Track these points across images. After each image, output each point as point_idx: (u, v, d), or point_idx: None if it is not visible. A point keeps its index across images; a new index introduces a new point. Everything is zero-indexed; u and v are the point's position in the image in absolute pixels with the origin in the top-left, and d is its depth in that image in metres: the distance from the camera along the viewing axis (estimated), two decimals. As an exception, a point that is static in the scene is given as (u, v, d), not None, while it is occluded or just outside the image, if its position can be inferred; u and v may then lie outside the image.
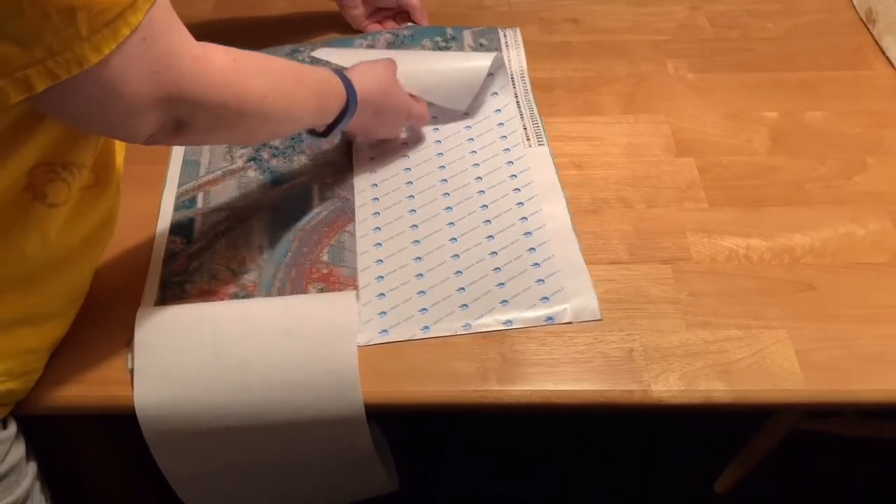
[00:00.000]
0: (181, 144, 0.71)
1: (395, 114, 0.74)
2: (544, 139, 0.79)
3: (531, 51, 0.89)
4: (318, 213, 0.72)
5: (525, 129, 0.80)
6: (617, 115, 0.82)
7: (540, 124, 0.80)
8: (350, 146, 0.79)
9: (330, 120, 0.66)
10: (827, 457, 1.16)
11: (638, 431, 1.21)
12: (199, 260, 0.69)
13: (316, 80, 0.64)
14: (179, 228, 0.71)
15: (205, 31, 0.91)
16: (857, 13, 0.94)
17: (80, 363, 0.61)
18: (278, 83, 0.58)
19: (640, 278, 0.67)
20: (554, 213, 0.72)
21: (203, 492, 0.67)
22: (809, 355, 0.61)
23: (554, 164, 0.76)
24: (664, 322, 0.64)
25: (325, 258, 0.69)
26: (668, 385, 0.60)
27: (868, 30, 0.91)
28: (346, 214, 0.72)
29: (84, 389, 0.60)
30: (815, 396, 0.59)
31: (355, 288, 0.66)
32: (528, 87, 0.84)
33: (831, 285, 0.66)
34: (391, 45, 0.88)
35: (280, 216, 0.72)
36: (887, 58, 0.87)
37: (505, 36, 0.89)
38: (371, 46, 0.88)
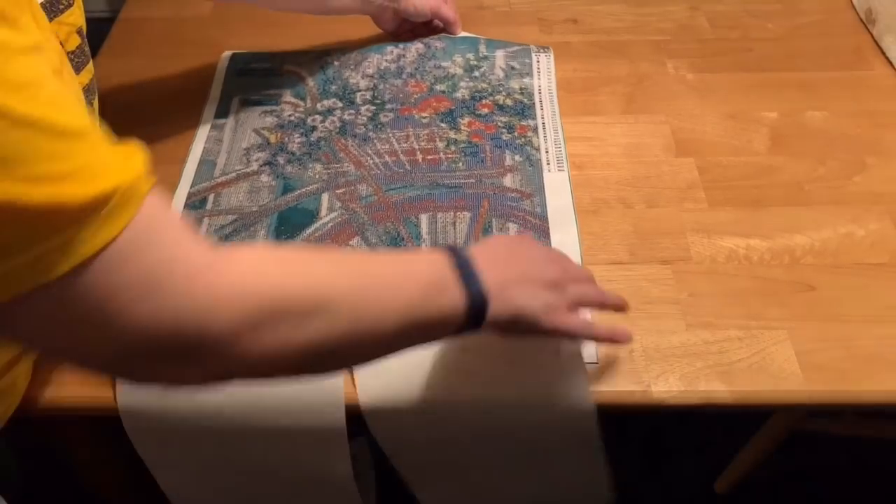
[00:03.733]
0: (220, 382, 0.42)
1: (535, 265, 0.55)
2: (565, 165, 0.76)
3: (531, 51, 0.89)
4: (325, 223, 0.71)
5: (546, 152, 0.78)
6: (617, 115, 0.82)
7: (563, 149, 0.78)
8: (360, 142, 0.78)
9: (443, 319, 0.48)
10: (827, 457, 1.16)
11: (638, 431, 1.20)
12: None
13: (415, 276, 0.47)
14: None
15: (205, 32, 0.92)
16: (857, 13, 0.94)
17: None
18: (348, 268, 0.45)
19: (640, 279, 0.67)
20: (563, 243, 0.69)
21: (183, 484, 0.67)
22: (809, 356, 0.61)
23: (571, 192, 0.74)
24: (664, 322, 0.64)
25: None
26: (668, 385, 0.60)
27: (868, 30, 0.91)
28: (352, 227, 0.71)
29: (83, 390, 0.60)
30: (815, 397, 0.59)
31: None
32: (556, 112, 0.81)
33: (831, 286, 0.66)
34: (423, 56, 0.87)
35: (286, 224, 0.71)
36: (887, 58, 0.87)
37: (538, 61, 0.87)
38: (402, 55, 0.87)
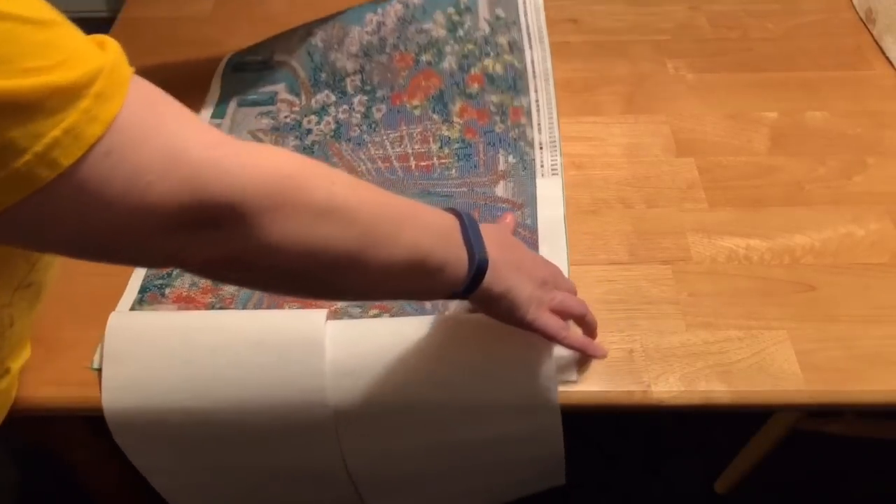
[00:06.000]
0: (230, 276, 0.44)
1: (530, 259, 0.58)
2: (559, 166, 0.74)
3: (531, 51, 0.89)
4: None
5: (541, 149, 0.74)
6: (617, 116, 0.82)
7: (557, 140, 0.75)
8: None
9: (450, 267, 0.49)
10: (827, 457, 1.16)
11: (638, 431, 1.20)
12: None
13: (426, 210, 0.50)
14: None
15: (204, 32, 0.92)
16: (857, 13, 0.94)
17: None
18: (368, 193, 0.45)
19: (640, 278, 0.67)
20: (550, 256, 0.67)
21: (177, 485, 0.67)
22: (809, 356, 0.61)
23: (563, 201, 0.72)
24: (664, 322, 0.64)
25: None
26: (668, 385, 0.60)
27: (868, 30, 0.91)
28: None
29: (83, 391, 0.60)
30: (815, 397, 0.59)
31: (331, 311, 0.64)
32: (550, 76, 0.76)
33: (831, 286, 0.66)
34: (402, 21, 0.83)
35: None
36: (887, 58, 0.87)
37: (525, 3, 0.82)
38: (381, 23, 0.83)
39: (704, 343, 0.62)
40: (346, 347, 0.59)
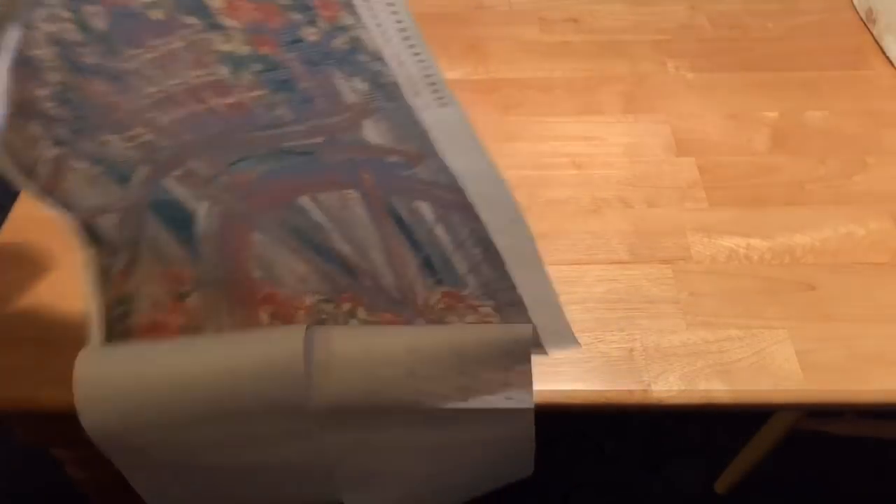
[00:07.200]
0: None
1: None
2: (443, 89, 0.42)
3: (532, 50, 0.89)
4: (210, 220, 0.51)
5: (401, 64, 0.42)
6: (617, 115, 0.82)
7: (423, 48, 0.41)
8: None
9: None
10: (827, 457, 1.16)
11: (638, 431, 1.21)
12: (133, 278, 0.52)
13: None
14: (93, 231, 0.49)
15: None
16: (857, 13, 0.94)
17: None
18: None
19: (640, 278, 0.67)
20: (505, 229, 0.48)
21: (159, 485, 0.66)
22: (810, 355, 0.61)
23: (479, 141, 0.42)
24: (664, 322, 0.64)
25: (256, 274, 0.53)
26: (668, 385, 0.59)
27: (868, 30, 0.91)
28: (238, 220, 0.51)
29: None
30: (815, 396, 0.59)
31: (305, 310, 0.58)
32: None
33: (832, 285, 0.66)
34: None
35: (172, 223, 0.51)
36: (887, 58, 0.88)
37: None
38: None
39: (704, 342, 0.62)
40: (327, 356, 0.58)
